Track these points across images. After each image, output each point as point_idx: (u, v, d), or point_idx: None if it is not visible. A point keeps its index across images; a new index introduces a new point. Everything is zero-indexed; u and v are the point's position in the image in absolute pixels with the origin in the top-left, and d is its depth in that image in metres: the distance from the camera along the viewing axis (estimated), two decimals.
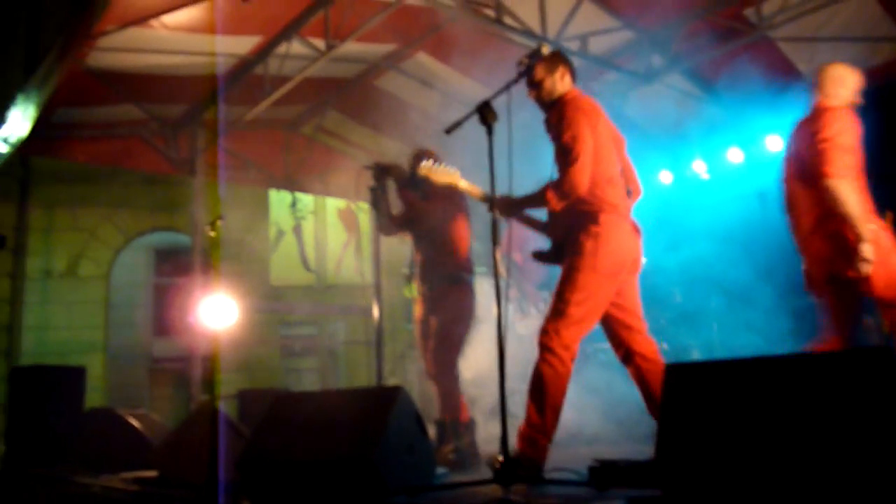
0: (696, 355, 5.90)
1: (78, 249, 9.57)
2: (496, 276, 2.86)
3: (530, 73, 3.39)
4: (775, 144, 6.67)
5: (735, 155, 6.97)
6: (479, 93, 5.47)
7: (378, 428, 3.03)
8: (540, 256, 3.58)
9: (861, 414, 2.02)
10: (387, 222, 4.45)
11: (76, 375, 5.92)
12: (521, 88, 3.38)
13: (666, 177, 7.55)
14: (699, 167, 7.28)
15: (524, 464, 3.06)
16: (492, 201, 3.25)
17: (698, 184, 7.34)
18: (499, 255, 3.04)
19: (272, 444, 3.45)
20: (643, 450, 2.82)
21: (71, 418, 5.56)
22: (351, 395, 3.61)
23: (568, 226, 3.40)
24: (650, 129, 7.24)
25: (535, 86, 3.49)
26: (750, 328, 6.08)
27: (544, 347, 3.27)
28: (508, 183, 3.24)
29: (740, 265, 6.49)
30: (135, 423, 4.82)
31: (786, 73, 6.15)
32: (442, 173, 3.51)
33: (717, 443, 2.41)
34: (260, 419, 3.60)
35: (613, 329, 3.49)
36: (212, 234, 5.79)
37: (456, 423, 4.25)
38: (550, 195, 3.30)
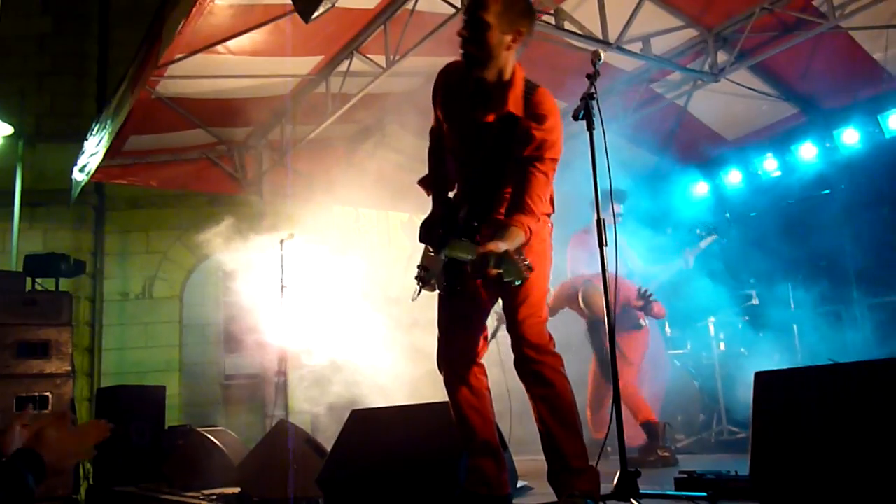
0: (777, 361, 5.70)
1: (152, 271, 9.85)
2: (604, 277, 2.72)
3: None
4: (851, 138, 6.41)
5: (808, 151, 6.72)
6: None
7: (456, 442, 2.99)
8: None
9: None
10: None
11: (157, 394, 6.08)
12: None
13: (735, 176, 7.33)
14: (770, 165, 7.04)
15: None
16: None
17: (770, 181, 7.10)
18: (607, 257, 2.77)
19: (351, 460, 3.46)
20: None
21: (153, 436, 5.72)
22: (426, 409, 3.59)
23: None
24: (717, 128, 7.06)
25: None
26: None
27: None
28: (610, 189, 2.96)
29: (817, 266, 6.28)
30: (215, 440, 4.91)
31: (861, 64, 5.91)
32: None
33: (816, 455, 2.30)
34: (337, 436, 3.62)
35: None
36: (281, 252, 5.93)
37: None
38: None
